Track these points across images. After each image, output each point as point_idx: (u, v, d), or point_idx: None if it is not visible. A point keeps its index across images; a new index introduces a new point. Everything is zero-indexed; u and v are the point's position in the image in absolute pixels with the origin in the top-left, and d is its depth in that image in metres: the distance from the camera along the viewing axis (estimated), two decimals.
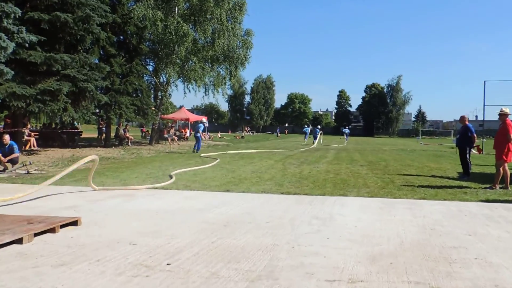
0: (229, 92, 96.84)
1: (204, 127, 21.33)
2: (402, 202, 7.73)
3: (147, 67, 28.32)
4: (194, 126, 20.62)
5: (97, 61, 20.79)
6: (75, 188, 8.66)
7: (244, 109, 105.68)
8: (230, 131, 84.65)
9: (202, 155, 18.94)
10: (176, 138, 30.89)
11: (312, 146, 30.12)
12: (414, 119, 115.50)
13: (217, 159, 16.61)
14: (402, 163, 16.76)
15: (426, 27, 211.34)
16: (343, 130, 51.99)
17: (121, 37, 24.62)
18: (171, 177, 10.51)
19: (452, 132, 69.31)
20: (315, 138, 35.89)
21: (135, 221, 5.89)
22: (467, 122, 12.23)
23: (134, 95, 24.47)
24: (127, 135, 26.77)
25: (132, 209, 6.70)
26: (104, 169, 12.33)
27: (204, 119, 24.26)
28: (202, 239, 4.98)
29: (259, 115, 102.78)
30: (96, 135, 30.63)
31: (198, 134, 20.79)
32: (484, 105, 25.09)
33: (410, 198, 8.24)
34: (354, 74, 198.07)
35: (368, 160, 18.37)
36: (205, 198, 7.88)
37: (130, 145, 25.59)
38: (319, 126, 40.61)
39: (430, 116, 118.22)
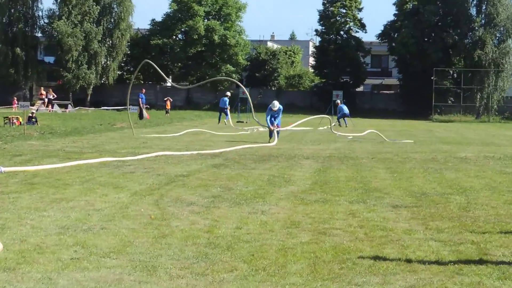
0: None
1: None
2: None
3: None
4: None
5: None
6: None
7: (36, 34, 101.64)
8: None
9: None
10: None
11: (271, 144, 30.72)
12: None
13: None
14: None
15: None
16: (341, 106, 54.05)
17: None
18: None
19: None
20: (271, 124, 35.75)
21: None
22: None
23: None
24: None
25: None
26: None
27: None
28: None
29: (84, 54, 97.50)
30: None
31: None
32: None
33: None
34: None
35: (414, 189, 17.18)
36: None
37: None
38: (275, 103, 37.34)
39: None
